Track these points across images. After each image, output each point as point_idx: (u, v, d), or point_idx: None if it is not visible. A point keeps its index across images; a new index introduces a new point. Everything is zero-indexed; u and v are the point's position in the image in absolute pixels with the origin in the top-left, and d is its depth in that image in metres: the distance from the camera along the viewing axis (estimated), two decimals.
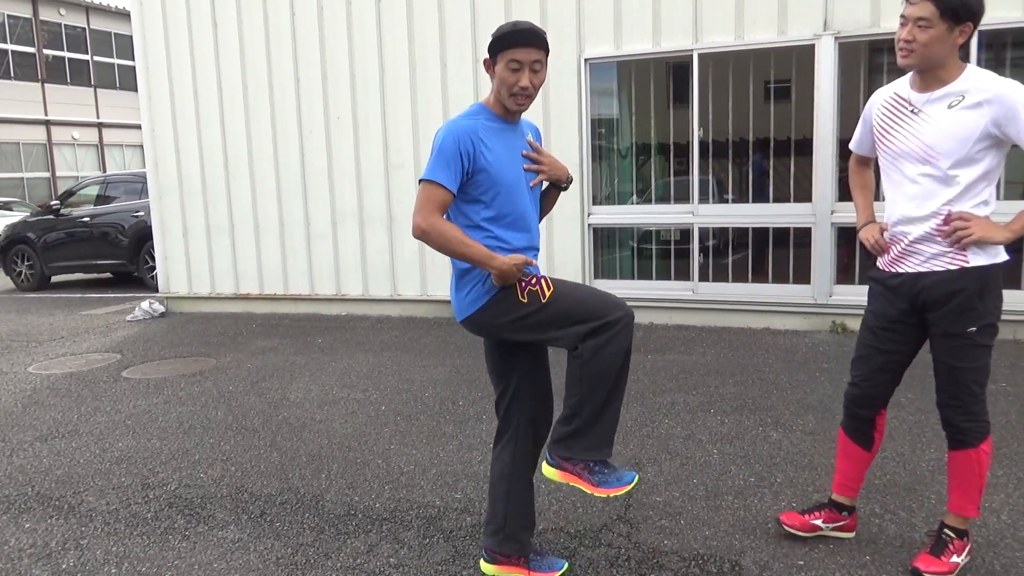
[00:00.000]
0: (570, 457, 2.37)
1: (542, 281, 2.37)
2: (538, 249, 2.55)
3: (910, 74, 2.52)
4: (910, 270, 2.53)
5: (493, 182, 2.36)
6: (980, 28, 5.80)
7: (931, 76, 2.43)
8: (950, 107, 2.40)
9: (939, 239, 2.45)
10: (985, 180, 2.42)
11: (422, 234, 2.32)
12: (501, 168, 2.38)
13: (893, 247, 2.58)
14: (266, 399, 4.99)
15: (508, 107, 2.41)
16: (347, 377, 5.45)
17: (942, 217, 2.43)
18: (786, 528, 2.84)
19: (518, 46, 2.32)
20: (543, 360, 2.62)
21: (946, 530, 2.62)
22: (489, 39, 2.39)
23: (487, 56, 2.42)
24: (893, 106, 2.55)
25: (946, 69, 2.41)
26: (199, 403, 4.96)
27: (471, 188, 2.37)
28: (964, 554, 2.59)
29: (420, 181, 2.36)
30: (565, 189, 2.64)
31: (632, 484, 2.32)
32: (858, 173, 2.88)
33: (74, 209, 11.23)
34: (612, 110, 7.30)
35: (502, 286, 2.36)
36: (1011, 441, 3.73)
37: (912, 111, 2.48)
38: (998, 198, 2.53)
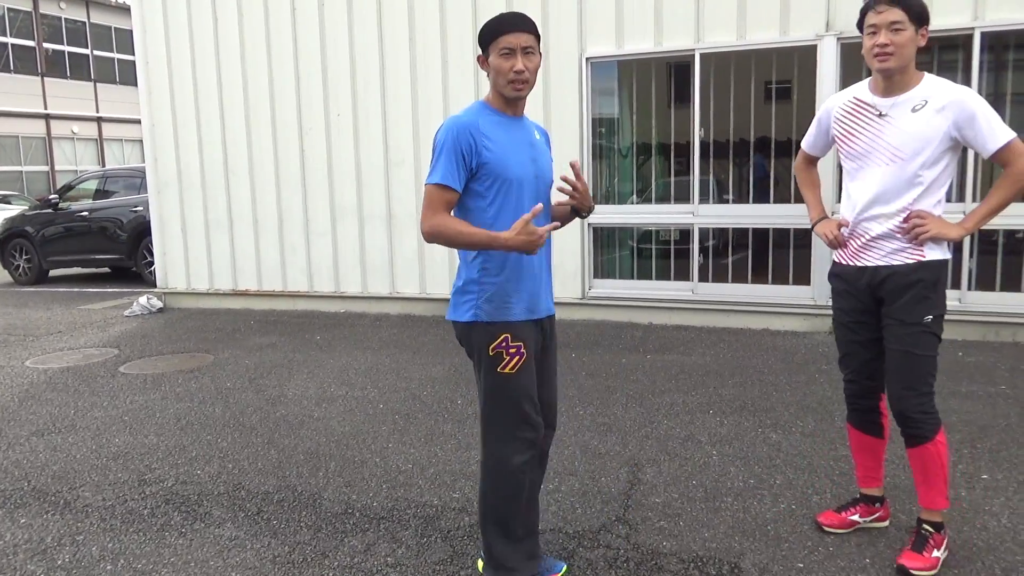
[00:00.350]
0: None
1: (517, 359, 2.38)
2: (543, 284, 2.50)
3: (868, 79, 2.70)
4: (870, 263, 2.66)
5: (496, 175, 2.34)
6: (983, 30, 5.79)
7: (896, 81, 2.58)
8: (914, 110, 2.55)
9: (899, 236, 2.60)
10: (943, 181, 2.59)
11: (430, 237, 2.32)
12: (505, 160, 2.35)
13: (853, 241, 2.72)
14: (264, 396, 4.97)
15: (507, 95, 2.38)
16: (345, 375, 5.43)
17: (905, 215, 2.59)
18: (826, 529, 2.90)
19: (507, 32, 2.32)
20: (545, 367, 2.57)
21: (924, 526, 2.68)
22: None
23: (480, 53, 2.42)
24: (855, 110, 2.70)
25: (909, 74, 2.58)
26: (196, 399, 4.95)
27: (475, 183, 2.35)
28: (943, 547, 2.66)
29: (425, 184, 2.34)
30: (584, 217, 2.65)
31: None
32: (806, 171, 3.05)
33: (73, 203, 11.20)
34: (613, 109, 7.29)
35: (492, 324, 2.37)
36: (1011, 444, 3.72)
37: (878, 114, 2.63)
38: (973, 201, 2.68)
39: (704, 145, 6.60)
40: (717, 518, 3.06)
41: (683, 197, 6.78)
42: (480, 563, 2.61)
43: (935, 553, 2.62)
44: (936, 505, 2.66)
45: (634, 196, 7.44)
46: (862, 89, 2.70)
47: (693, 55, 6.37)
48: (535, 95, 6.80)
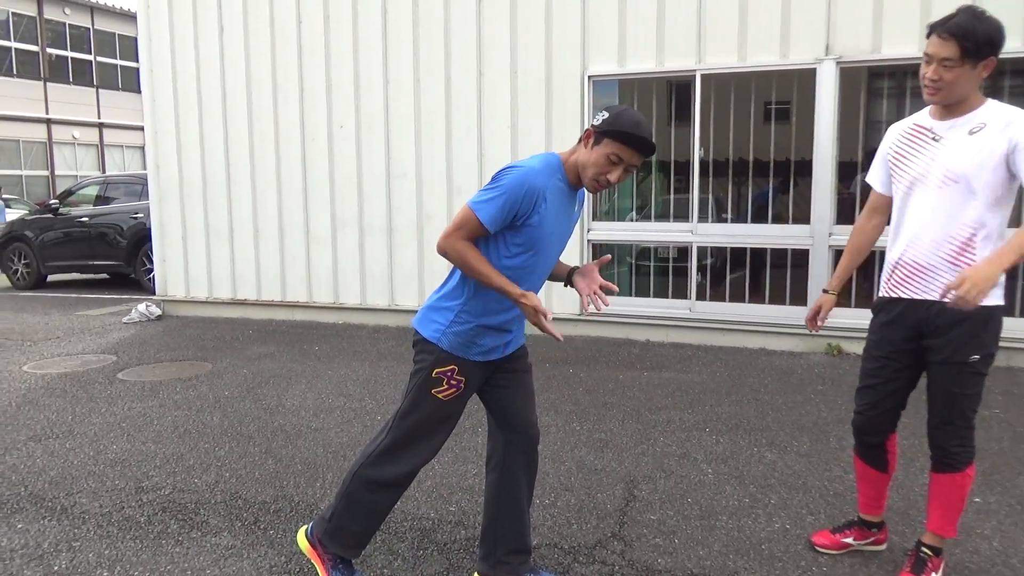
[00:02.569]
0: (322, 542, 2.61)
1: (454, 391, 2.45)
2: (517, 331, 2.55)
3: (930, 106, 2.58)
4: (915, 296, 2.56)
5: (530, 241, 2.35)
6: None
7: (954, 106, 2.48)
8: (971, 133, 2.44)
9: (948, 265, 2.48)
10: (998, 209, 2.46)
11: (448, 255, 2.34)
12: (545, 231, 2.36)
13: (899, 271, 2.61)
14: (262, 405, 4.99)
15: (586, 187, 2.39)
16: (343, 386, 5.45)
17: (955, 243, 2.47)
18: (819, 549, 2.91)
19: (631, 147, 2.28)
20: (519, 387, 2.60)
21: (924, 548, 2.69)
22: (608, 115, 2.30)
23: (592, 127, 2.33)
24: (912, 135, 2.60)
25: (970, 100, 2.47)
26: (194, 408, 4.96)
27: (509, 232, 2.35)
28: (940, 571, 2.68)
29: (468, 203, 2.31)
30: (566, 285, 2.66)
31: None
32: (866, 221, 2.85)
33: (73, 209, 11.22)
34: None
35: (447, 353, 2.42)
36: (1003, 468, 3.75)
37: (933, 138, 2.53)
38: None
39: (704, 164, 6.66)
40: (712, 536, 3.08)
41: (682, 215, 6.83)
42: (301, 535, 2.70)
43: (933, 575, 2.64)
44: (945, 533, 2.66)
45: (633, 213, 7.49)
46: (923, 115, 2.61)
47: (694, 75, 6.44)
48: (537, 112, 6.87)
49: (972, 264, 2.43)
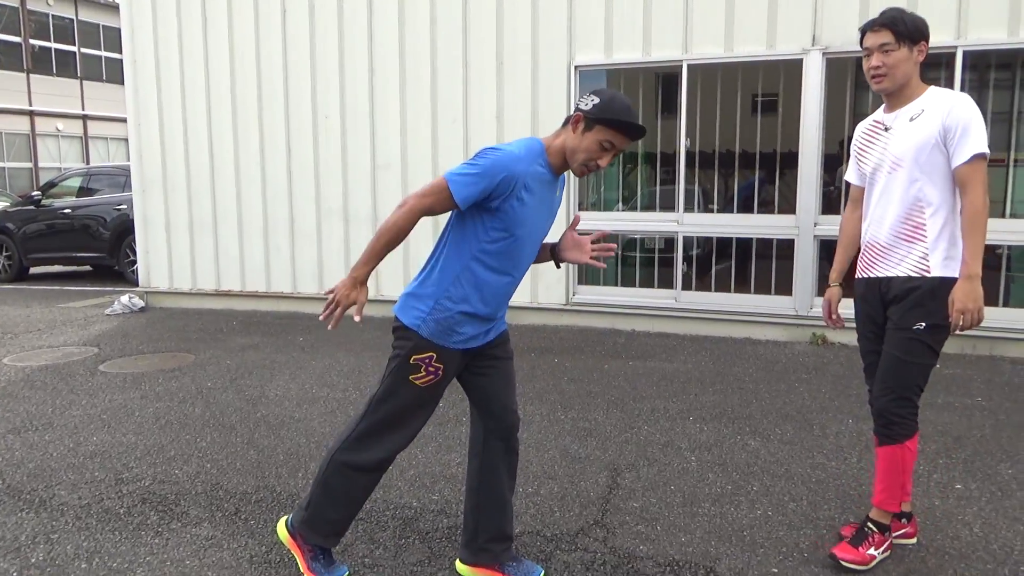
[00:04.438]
0: (301, 532, 2.59)
1: (432, 377, 2.42)
2: (497, 318, 2.53)
3: (884, 103, 2.76)
4: (881, 274, 2.73)
5: (510, 226, 2.33)
6: (965, 48, 5.86)
7: (899, 97, 2.68)
8: (911, 120, 2.63)
9: (903, 243, 2.65)
10: (944, 186, 2.60)
11: (400, 206, 2.28)
12: (525, 217, 2.34)
13: (867, 254, 2.79)
14: (244, 396, 4.95)
15: (573, 172, 2.37)
16: (327, 376, 5.42)
17: (908, 223, 2.64)
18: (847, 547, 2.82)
19: (623, 134, 2.29)
20: (500, 374, 2.58)
21: (869, 523, 2.75)
22: (599, 100, 2.28)
23: (581, 111, 2.30)
24: (871, 130, 2.84)
25: (911, 88, 2.66)
26: (176, 399, 4.92)
27: (488, 216, 2.32)
28: (883, 548, 2.72)
29: (445, 176, 2.27)
30: (557, 267, 2.67)
31: None
32: (847, 219, 3.00)
33: (56, 200, 11.10)
34: None
35: (427, 340, 2.40)
36: (984, 455, 3.77)
37: (885, 129, 2.74)
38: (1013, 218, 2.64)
39: (690, 155, 6.65)
40: (694, 523, 3.08)
41: (668, 206, 6.82)
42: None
43: (871, 551, 2.69)
44: (887, 507, 2.73)
45: (620, 204, 7.48)
46: (879, 111, 2.80)
47: (681, 66, 6.43)
48: (523, 102, 6.83)
49: (924, 240, 2.60)
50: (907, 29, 2.57)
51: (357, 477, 2.50)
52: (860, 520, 2.98)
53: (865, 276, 2.80)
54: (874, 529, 2.73)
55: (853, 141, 2.91)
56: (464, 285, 2.39)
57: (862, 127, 2.87)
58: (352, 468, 2.49)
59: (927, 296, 2.59)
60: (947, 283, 2.58)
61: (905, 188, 2.63)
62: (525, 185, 2.30)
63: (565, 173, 2.48)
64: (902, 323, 2.63)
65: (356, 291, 2.38)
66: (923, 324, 2.60)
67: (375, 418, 2.47)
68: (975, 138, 2.51)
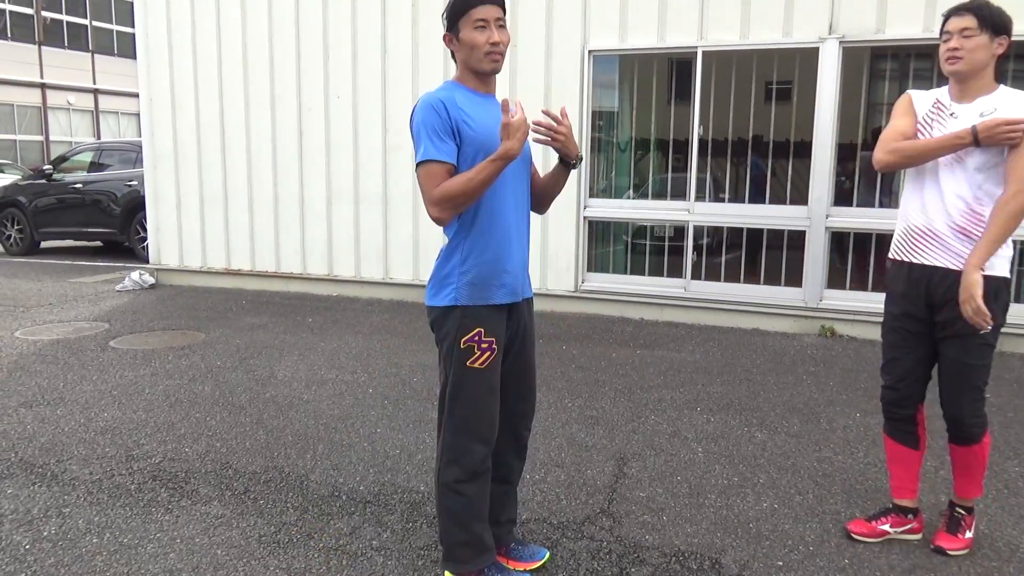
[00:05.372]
0: (454, 572, 2.52)
1: (489, 354, 2.37)
2: (522, 266, 2.47)
3: (949, 84, 2.73)
4: (925, 262, 2.68)
5: (478, 144, 2.29)
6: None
7: (970, 86, 2.64)
8: (981, 115, 2.59)
9: (958, 235, 2.62)
10: (1000, 187, 2.59)
11: (441, 207, 2.26)
12: (484, 131, 2.30)
13: (914, 238, 2.72)
14: (254, 376, 4.98)
15: (483, 69, 2.34)
16: (336, 358, 5.44)
17: (960, 212, 2.61)
18: (856, 537, 2.88)
19: (479, 4, 2.29)
20: (520, 365, 2.55)
21: (958, 509, 2.85)
22: (443, 11, 2.35)
23: (446, 32, 2.36)
24: (936, 110, 2.74)
25: (983, 80, 2.63)
26: (186, 377, 4.95)
27: (460, 154, 2.30)
28: (972, 528, 2.85)
29: (416, 167, 2.29)
30: (575, 167, 2.54)
31: None
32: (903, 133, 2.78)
33: (67, 175, 11.13)
34: (613, 103, 7.28)
35: (470, 311, 2.36)
36: (992, 453, 3.73)
37: (951, 114, 2.68)
38: None
39: (703, 143, 6.61)
40: (700, 514, 3.10)
41: (679, 194, 6.79)
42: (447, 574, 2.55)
43: (968, 534, 2.81)
44: (971, 495, 2.84)
45: (630, 191, 7.45)
46: (943, 92, 2.74)
47: (695, 52, 6.37)
48: (536, 85, 6.79)
49: (977, 231, 2.58)
50: (991, 18, 2.57)
51: (467, 487, 2.42)
52: (876, 512, 2.99)
53: (908, 260, 2.73)
54: (963, 512, 2.83)
55: (917, 108, 2.74)
56: (473, 237, 2.36)
57: (928, 101, 2.73)
58: (459, 482, 2.41)
59: (989, 298, 2.56)
60: (1004, 283, 2.63)
61: (967, 181, 2.60)
62: (459, 108, 2.29)
63: (511, 102, 2.29)
64: (966, 330, 2.61)
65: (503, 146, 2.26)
66: (989, 327, 2.59)
67: (454, 422, 2.41)
68: None
